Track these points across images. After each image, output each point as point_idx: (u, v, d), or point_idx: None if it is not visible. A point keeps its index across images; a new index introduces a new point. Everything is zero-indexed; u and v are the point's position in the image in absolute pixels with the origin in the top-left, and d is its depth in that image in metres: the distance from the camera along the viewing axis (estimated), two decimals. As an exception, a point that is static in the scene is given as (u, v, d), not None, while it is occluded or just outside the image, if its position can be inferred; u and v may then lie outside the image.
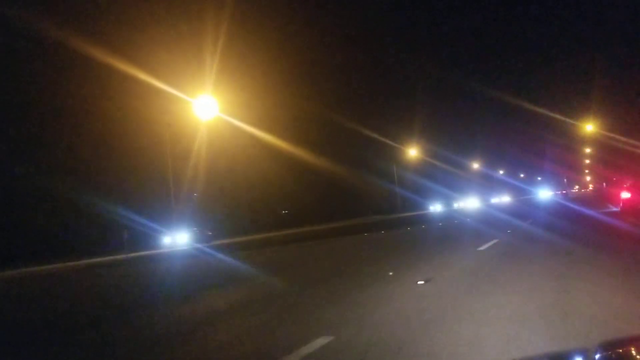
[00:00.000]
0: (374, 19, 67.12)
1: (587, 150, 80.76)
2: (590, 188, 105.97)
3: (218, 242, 31.41)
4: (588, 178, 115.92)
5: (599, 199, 37.73)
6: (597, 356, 1.70)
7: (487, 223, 20.68)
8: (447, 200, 58.42)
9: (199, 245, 27.97)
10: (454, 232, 18.88)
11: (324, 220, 40.50)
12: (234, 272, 12.35)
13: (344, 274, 9.09)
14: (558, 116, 55.37)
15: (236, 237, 34.26)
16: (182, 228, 32.86)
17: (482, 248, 10.97)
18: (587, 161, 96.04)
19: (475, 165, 71.20)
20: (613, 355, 1.72)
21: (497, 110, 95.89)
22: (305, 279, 9.17)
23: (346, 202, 51.55)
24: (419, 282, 6.93)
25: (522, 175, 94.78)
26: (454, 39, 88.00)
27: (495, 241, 12.14)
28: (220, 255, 18.42)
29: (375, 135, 47.13)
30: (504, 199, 69.87)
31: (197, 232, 32.88)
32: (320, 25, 57.64)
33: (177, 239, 31.97)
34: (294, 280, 9.00)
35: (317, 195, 49.77)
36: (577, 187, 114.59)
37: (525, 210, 31.46)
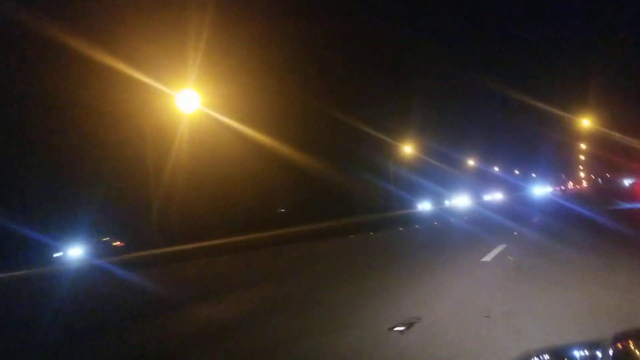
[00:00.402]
0: (366, 10, 64.52)
1: (583, 146, 79.00)
2: (584, 185, 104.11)
3: (142, 253, 25.08)
4: (582, 174, 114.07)
5: (602, 195, 35.43)
6: (612, 349, 1.61)
7: (486, 224, 18.18)
8: (439, 198, 55.97)
9: (99, 261, 22.27)
10: (449, 234, 16.35)
11: (313, 220, 37.76)
12: (122, 301, 9.04)
13: (286, 306, 6.37)
14: (555, 110, 53.48)
15: (195, 241, 28.08)
16: (81, 238, 27.43)
17: (487, 259, 8.42)
18: (582, 157, 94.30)
19: (470, 162, 68.86)
20: (628, 347, 1.61)
21: (494, 105, 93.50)
22: (222, 312, 6.46)
23: (338, 200, 48.99)
24: (396, 329, 4.33)
25: (517, 172, 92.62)
26: (449, 33, 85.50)
27: (501, 248, 9.60)
28: (124, 273, 14.79)
29: (368, 130, 44.55)
30: (497, 196, 67.41)
31: (108, 243, 28.01)
32: (310, 17, 54.82)
33: (71, 253, 26.50)
34: (197, 319, 6.23)
35: (307, 193, 47.25)
36: (571, 183, 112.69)
37: (522, 209, 29.01)
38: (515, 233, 12.76)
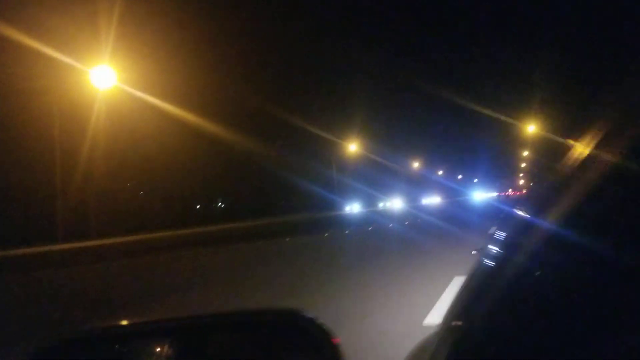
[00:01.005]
0: (308, 5, 60.09)
1: (525, 152, 78.41)
2: (524, 192, 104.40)
3: None
4: (521, 182, 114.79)
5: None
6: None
7: (430, 232, 14.33)
8: (376, 200, 52.55)
9: None
10: (382, 248, 12.04)
11: (232, 218, 32.93)
12: None
13: None
14: (500, 116, 51.83)
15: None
16: None
17: (432, 319, 4.25)
18: (523, 164, 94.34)
19: (412, 165, 66.03)
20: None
21: (438, 109, 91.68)
22: None
23: (266, 195, 44.64)
24: None
25: (459, 177, 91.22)
26: (395, 38, 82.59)
27: (457, 283, 5.47)
28: None
29: (302, 123, 40.20)
30: (435, 199, 64.92)
31: None
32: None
33: None
34: None
35: (236, 187, 42.55)
36: (510, 190, 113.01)
37: (467, 214, 25.71)
38: (473, 252, 8.73)
